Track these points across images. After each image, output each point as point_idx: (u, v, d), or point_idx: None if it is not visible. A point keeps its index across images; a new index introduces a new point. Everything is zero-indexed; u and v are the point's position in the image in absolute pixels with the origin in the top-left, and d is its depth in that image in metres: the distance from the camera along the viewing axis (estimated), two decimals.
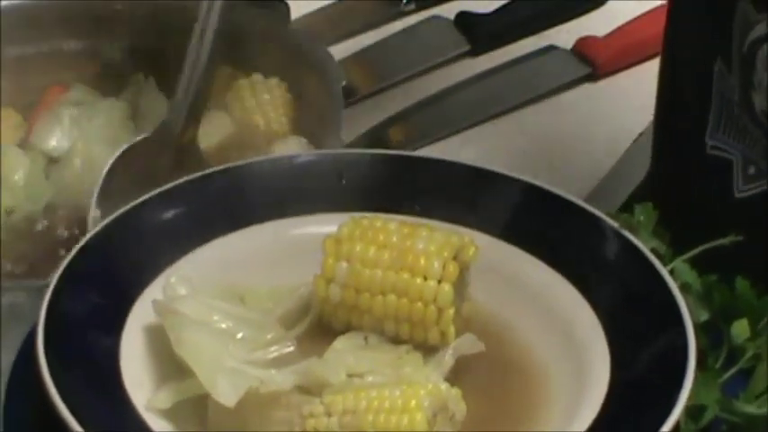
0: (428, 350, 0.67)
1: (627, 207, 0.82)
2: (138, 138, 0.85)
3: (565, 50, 1.05)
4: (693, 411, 0.61)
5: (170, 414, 0.63)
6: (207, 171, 0.75)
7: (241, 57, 0.94)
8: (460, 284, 0.68)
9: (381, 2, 1.12)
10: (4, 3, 0.94)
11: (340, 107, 0.87)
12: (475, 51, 1.06)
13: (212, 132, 0.90)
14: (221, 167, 0.76)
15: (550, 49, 1.05)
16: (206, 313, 0.67)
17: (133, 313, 0.67)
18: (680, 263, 0.67)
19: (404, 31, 1.08)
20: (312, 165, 0.77)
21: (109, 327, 0.65)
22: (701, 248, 0.67)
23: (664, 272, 0.64)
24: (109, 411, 0.61)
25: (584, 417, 0.60)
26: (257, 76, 0.92)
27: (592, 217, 0.69)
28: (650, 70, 1.03)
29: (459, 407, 0.62)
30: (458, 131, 0.98)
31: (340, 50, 1.03)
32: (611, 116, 0.98)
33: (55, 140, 0.90)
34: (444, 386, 0.61)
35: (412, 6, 1.11)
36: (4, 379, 0.67)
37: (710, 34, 0.67)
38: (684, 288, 0.65)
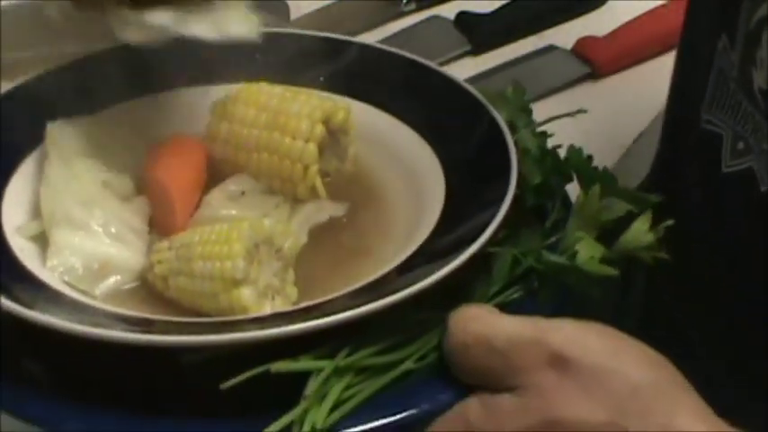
0: (300, 203, 0.74)
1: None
2: None
3: (565, 50, 1.05)
4: (516, 258, 0.68)
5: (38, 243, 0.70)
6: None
7: None
8: (335, 145, 0.75)
9: (381, 2, 1.12)
10: (3, 3, 0.94)
11: None
12: (475, 51, 1.06)
13: None
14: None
15: (550, 49, 1.06)
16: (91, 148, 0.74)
17: (29, 160, 0.73)
18: (525, 132, 0.74)
19: (404, 31, 1.08)
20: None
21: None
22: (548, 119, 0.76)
23: (506, 132, 0.73)
24: None
25: (421, 233, 0.69)
26: None
27: (458, 86, 0.78)
28: (650, 70, 1.04)
29: (287, 241, 0.67)
30: None
31: None
32: (611, 116, 0.98)
33: None
34: (269, 221, 0.67)
35: (412, 6, 1.11)
36: None
37: (720, 9, 0.68)
38: (524, 152, 0.73)
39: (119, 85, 0.78)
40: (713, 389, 0.59)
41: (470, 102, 0.76)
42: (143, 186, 0.74)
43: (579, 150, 0.71)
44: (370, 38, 1.07)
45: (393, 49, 0.83)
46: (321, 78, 0.80)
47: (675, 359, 0.60)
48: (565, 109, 0.99)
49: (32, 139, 0.74)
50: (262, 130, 0.74)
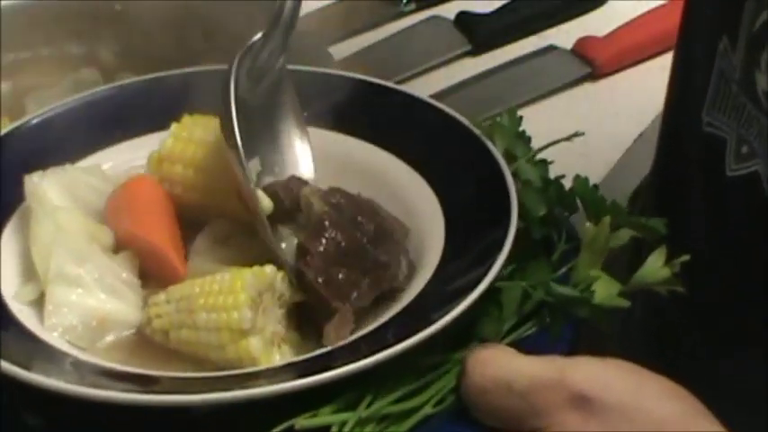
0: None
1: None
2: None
3: (565, 50, 1.05)
4: (526, 292, 0.66)
5: (36, 304, 0.68)
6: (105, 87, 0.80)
7: None
8: None
9: (381, 2, 1.12)
10: (3, 3, 0.94)
11: None
12: (475, 51, 1.06)
13: None
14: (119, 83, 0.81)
15: (550, 49, 1.06)
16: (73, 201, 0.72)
17: (17, 214, 0.71)
18: (524, 162, 0.72)
19: (404, 31, 1.08)
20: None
21: None
22: (546, 146, 0.73)
23: (504, 167, 0.70)
24: None
25: (423, 274, 0.68)
26: None
27: (452, 119, 0.76)
28: (650, 70, 1.04)
29: (286, 288, 0.66)
30: None
31: (340, 50, 1.03)
32: (611, 116, 0.98)
33: None
34: (269, 268, 0.65)
35: (412, 6, 1.11)
36: None
37: (720, 10, 0.68)
38: (526, 184, 0.71)
39: (91, 134, 0.77)
40: (714, 389, 0.59)
41: (467, 136, 0.74)
42: (121, 241, 0.71)
43: (585, 180, 0.69)
44: (371, 38, 1.07)
45: (386, 83, 0.81)
46: (314, 115, 0.77)
47: (675, 360, 0.60)
48: (565, 108, 1.00)
49: (13, 197, 0.72)
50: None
